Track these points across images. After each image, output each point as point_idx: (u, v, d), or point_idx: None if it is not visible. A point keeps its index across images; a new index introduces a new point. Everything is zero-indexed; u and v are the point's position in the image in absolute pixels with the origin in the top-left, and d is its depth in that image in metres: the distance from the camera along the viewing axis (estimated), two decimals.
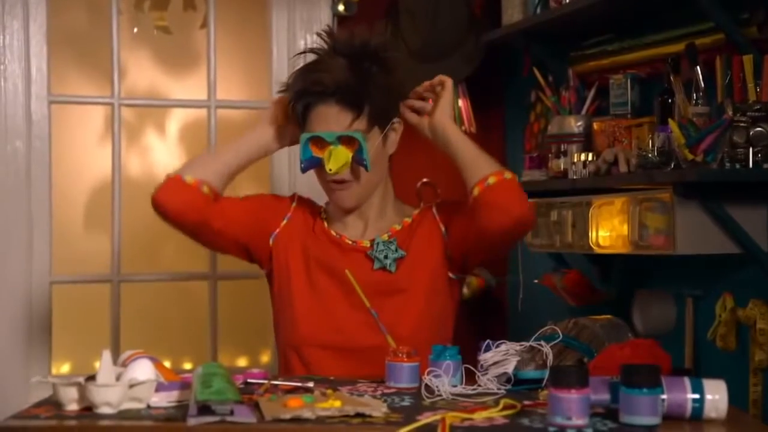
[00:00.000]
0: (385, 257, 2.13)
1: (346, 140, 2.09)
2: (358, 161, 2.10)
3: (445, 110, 2.18)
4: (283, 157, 3.36)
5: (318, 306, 2.13)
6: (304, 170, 2.16)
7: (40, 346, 3.17)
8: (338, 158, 2.08)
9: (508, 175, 2.08)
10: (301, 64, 2.21)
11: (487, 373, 1.74)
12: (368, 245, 2.16)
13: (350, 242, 2.18)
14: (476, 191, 2.05)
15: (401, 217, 2.24)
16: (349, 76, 2.09)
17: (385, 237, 2.16)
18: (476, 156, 2.14)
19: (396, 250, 2.15)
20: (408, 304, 2.11)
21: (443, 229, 2.20)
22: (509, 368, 1.72)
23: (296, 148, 3.42)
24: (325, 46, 2.18)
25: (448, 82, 2.19)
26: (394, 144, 2.21)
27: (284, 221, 2.23)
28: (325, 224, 2.23)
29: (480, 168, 2.10)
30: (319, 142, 2.10)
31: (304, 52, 2.27)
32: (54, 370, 3.42)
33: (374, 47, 2.15)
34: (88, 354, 3.74)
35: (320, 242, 2.19)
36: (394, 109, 2.19)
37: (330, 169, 2.07)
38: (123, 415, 1.51)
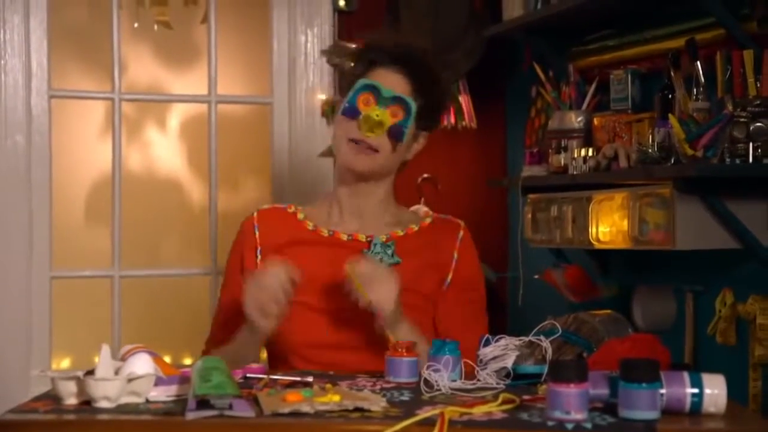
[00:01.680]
0: (381, 260, 2.07)
1: (396, 105, 2.06)
2: (395, 130, 2.06)
3: (389, 324, 1.94)
4: (284, 152, 3.36)
5: (309, 308, 2.08)
6: (345, 111, 2.08)
7: (40, 341, 3.17)
8: (382, 113, 2.05)
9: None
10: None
11: (486, 368, 1.74)
12: (364, 241, 2.13)
13: (346, 237, 2.15)
14: None
15: (403, 223, 2.17)
16: (434, 65, 2.11)
17: (383, 238, 2.13)
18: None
19: (392, 256, 2.09)
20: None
21: (453, 264, 2.14)
22: (508, 363, 1.72)
23: (295, 147, 3.40)
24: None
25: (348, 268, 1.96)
26: (413, 152, 2.16)
27: (258, 256, 2.14)
28: (309, 224, 2.16)
29: None
30: (370, 96, 2.06)
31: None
32: (54, 365, 3.43)
33: (443, 55, 2.18)
34: (89, 349, 3.73)
35: (305, 245, 2.14)
36: (432, 122, 2.17)
37: (366, 113, 2.04)
38: (122, 409, 1.51)
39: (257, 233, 2.16)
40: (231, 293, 2.14)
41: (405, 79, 2.09)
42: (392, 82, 2.08)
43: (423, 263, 2.11)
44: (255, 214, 2.19)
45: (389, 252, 2.09)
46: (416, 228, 2.16)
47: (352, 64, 2.17)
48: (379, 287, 1.93)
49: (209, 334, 2.23)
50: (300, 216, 2.17)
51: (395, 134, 2.07)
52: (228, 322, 2.12)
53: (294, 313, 2.06)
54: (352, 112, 2.06)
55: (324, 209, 2.19)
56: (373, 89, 2.06)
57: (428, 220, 2.20)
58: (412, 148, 2.16)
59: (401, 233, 2.14)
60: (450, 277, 2.14)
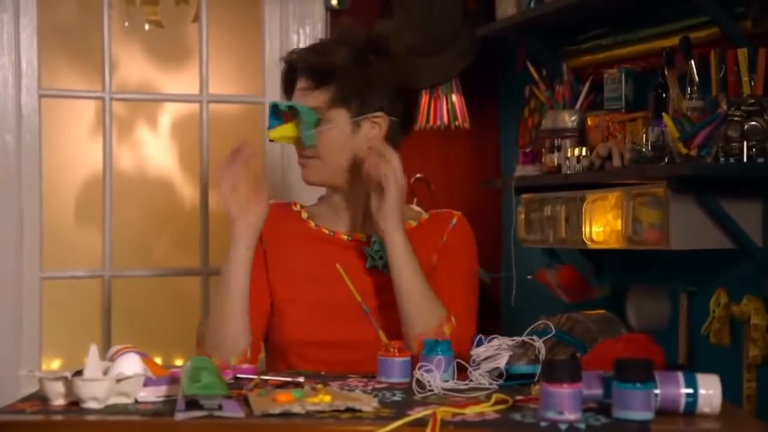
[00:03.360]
0: (380, 258, 2.09)
1: (295, 111, 2.11)
2: (301, 137, 2.11)
3: (389, 214, 2.03)
4: (275, 152, 3.35)
5: (307, 306, 2.09)
6: (270, 138, 2.19)
7: (30, 341, 3.15)
8: (284, 129, 2.14)
9: (447, 330, 2.00)
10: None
11: (479, 368, 1.72)
12: (364, 239, 2.14)
13: (346, 237, 2.16)
14: (415, 347, 1.91)
15: (402, 220, 2.15)
16: (330, 57, 2.10)
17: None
18: (420, 298, 2.02)
19: None
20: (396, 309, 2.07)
21: (442, 243, 2.16)
22: (501, 363, 1.71)
23: (286, 147, 3.41)
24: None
25: (394, 161, 2.03)
26: (373, 138, 2.12)
27: (263, 244, 2.15)
28: (311, 223, 2.18)
29: (421, 316, 2.00)
30: (281, 111, 2.15)
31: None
32: (44, 366, 3.41)
33: (380, 37, 2.14)
34: (79, 350, 3.70)
35: (307, 243, 2.16)
36: (378, 101, 2.12)
37: (268, 135, 2.16)
38: (110, 410, 1.50)
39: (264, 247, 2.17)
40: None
41: (306, 80, 2.13)
42: (299, 93, 2.15)
43: (420, 252, 2.11)
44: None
45: None
46: (414, 224, 2.18)
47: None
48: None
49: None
50: (304, 215, 2.21)
51: (300, 134, 2.11)
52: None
53: (293, 310, 2.08)
54: (271, 140, 2.18)
55: (324, 209, 2.23)
56: (273, 110, 2.15)
57: (426, 215, 2.22)
58: (363, 133, 2.12)
59: None
60: (435, 257, 2.15)
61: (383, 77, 2.11)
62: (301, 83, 2.14)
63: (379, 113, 2.11)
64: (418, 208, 2.25)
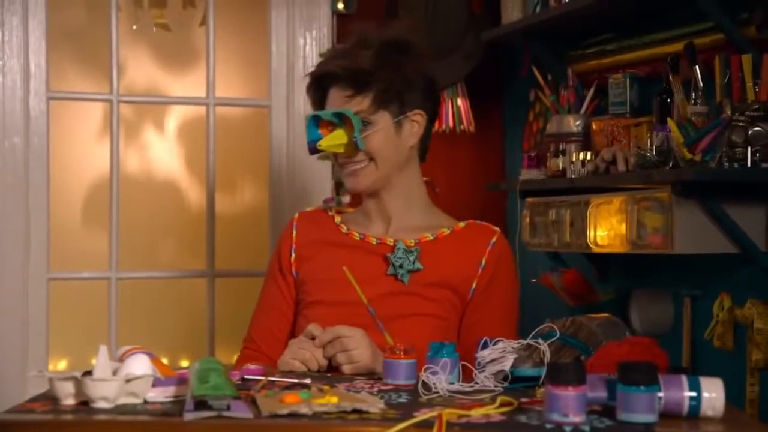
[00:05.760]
0: (401, 266, 2.10)
1: (340, 119, 2.09)
2: (353, 140, 2.10)
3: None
4: (281, 155, 3.36)
5: (325, 308, 2.11)
6: (310, 152, 2.16)
7: (37, 342, 3.17)
8: (333, 137, 2.10)
9: None
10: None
11: (484, 371, 1.73)
12: (391, 245, 2.15)
13: (375, 241, 2.16)
14: None
15: (434, 226, 2.18)
16: (363, 62, 2.10)
17: (412, 242, 2.13)
18: None
19: (413, 262, 2.10)
20: (413, 322, 2.08)
21: (479, 271, 2.14)
22: (506, 366, 1.72)
23: (293, 150, 3.41)
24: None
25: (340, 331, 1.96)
26: (414, 135, 2.16)
27: (292, 255, 2.20)
28: (344, 228, 2.20)
29: None
30: (322, 121, 2.12)
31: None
32: (51, 367, 3.43)
33: (401, 37, 2.15)
34: (85, 351, 3.74)
35: (336, 247, 2.17)
36: (414, 100, 2.15)
37: (319, 145, 2.11)
38: (119, 409, 1.51)
39: (294, 233, 2.23)
40: (269, 292, 2.23)
41: (343, 87, 2.12)
42: (337, 102, 2.13)
43: (451, 264, 2.12)
44: (297, 214, 2.28)
45: (411, 258, 2.10)
46: (448, 232, 2.18)
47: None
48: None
49: (247, 331, 2.27)
50: (337, 219, 2.24)
51: (358, 144, 2.10)
52: (264, 318, 2.22)
53: (318, 312, 2.09)
54: (315, 151, 2.14)
55: (358, 214, 2.26)
56: (315, 122, 2.12)
57: (462, 224, 2.21)
58: (405, 132, 2.15)
59: (431, 237, 2.15)
60: (475, 284, 2.13)
61: (415, 76, 2.14)
62: (337, 92, 2.12)
63: (417, 111, 2.15)
64: (450, 218, 2.25)
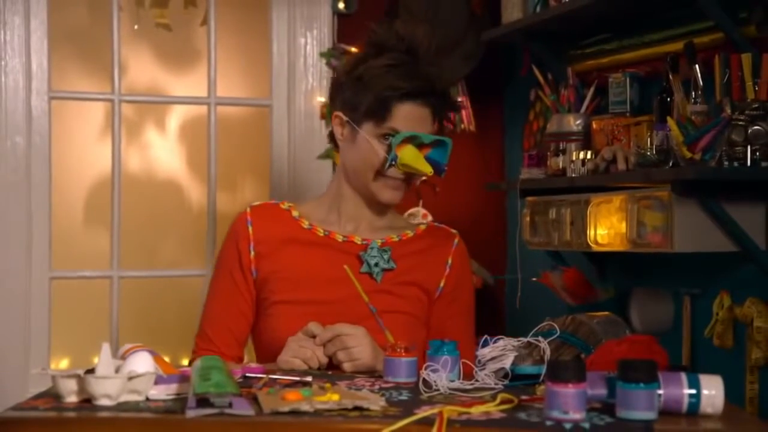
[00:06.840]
0: (375, 264, 2.09)
1: (437, 144, 2.05)
2: (439, 167, 2.06)
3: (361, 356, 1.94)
4: (282, 154, 3.37)
5: (302, 306, 2.08)
6: (440, 174, 2.08)
7: (39, 341, 3.17)
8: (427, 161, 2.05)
9: None
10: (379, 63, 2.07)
11: (484, 369, 1.74)
12: (360, 243, 2.14)
13: (341, 239, 2.13)
14: None
15: (397, 228, 2.17)
16: (444, 84, 2.09)
17: (379, 242, 2.11)
18: None
19: (388, 261, 2.09)
20: (387, 319, 2.06)
21: (447, 270, 2.15)
22: (507, 363, 1.72)
23: (294, 149, 3.40)
24: (396, 45, 2.08)
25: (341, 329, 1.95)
26: None
27: (251, 252, 2.12)
28: (305, 223, 2.14)
29: None
30: (409, 144, 2.04)
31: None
32: (53, 365, 3.44)
33: (438, 52, 2.11)
34: (87, 349, 3.74)
35: (300, 243, 2.12)
36: (452, 106, 2.17)
37: (425, 170, 2.04)
38: (122, 407, 1.51)
39: (250, 229, 2.13)
40: (225, 288, 2.14)
41: (430, 110, 2.05)
42: (423, 121, 2.05)
43: (419, 264, 2.13)
44: (248, 209, 2.17)
45: (385, 257, 2.10)
46: (411, 234, 2.18)
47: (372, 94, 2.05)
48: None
49: (200, 328, 2.19)
50: (294, 214, 2.16)
51: (440, 167, 2.07)
52: (221, 316, 2.14)
53: (285, 311, 2.07)
54: (394, 159, 2.04)
55: (322, 209, 2.18)
56: (413, 139, 2.04)
57: (423, 227, 2.21)
58: None
59: (396, 239, 2.15)
60: (443, 283, 2.15)
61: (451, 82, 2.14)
62: (422, 110, 2.04)
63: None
64: (423, 210, 2.26)
